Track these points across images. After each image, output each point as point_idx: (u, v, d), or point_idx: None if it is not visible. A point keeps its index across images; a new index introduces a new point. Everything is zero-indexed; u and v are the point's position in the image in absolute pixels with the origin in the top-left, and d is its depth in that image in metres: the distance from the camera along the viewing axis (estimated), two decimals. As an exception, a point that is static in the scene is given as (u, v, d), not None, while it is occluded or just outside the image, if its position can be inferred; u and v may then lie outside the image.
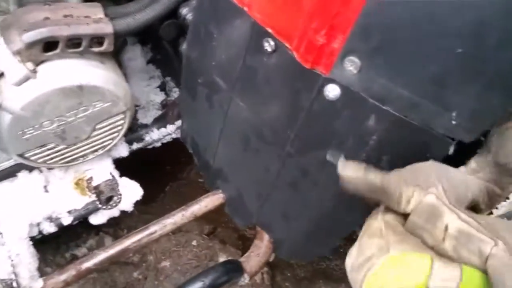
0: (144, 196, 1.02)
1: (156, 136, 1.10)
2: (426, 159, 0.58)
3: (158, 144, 1.11)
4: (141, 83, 1.12)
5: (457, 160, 0.58)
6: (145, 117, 1.11)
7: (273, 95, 0.73)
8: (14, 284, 0.84)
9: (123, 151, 1.04)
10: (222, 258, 1.19)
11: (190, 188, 1.44)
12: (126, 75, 1.05)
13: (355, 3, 0.54)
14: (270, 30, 0.67)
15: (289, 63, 0.66)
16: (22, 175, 0.93)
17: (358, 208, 0.69)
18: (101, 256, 0.92)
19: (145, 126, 1.10)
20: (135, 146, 1.08)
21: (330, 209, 0.77)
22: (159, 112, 1.12)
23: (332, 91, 0.63)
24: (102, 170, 0.99)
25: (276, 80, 0.71)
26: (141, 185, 1.02)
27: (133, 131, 1.08)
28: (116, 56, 0.92)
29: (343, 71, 0.60)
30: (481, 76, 0.50)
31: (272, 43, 0.67)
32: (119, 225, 1.26)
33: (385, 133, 0.61)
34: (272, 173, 0.82)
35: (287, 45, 0.65)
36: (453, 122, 0.55)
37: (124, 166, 1.04)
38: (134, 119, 1.07)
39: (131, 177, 1.02)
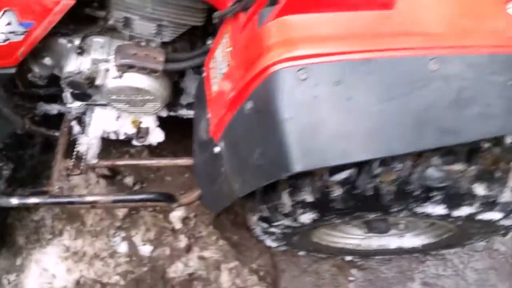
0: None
1: (185, 112, 1.94)
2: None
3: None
4: (190, 81, 1.92)
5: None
6: (185, 100, 1.93)
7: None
8: (86, 157, 1.78)
9: (163, 113, 1.91)
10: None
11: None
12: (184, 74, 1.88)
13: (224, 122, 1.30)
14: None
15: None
16: (109, 107, 1.84)
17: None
18: (125, 161, 1.83)
19: (181, 105, 1.93)
20: (172, 113, 1.93)
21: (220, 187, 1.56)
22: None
23: (216, 149, 1.40)
24: (147, 121, 1.87)
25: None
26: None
27: (174, 106, 1.91)
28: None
29: (221, 144, 1.36)
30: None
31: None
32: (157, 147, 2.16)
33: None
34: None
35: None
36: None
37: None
38: (177, 100, 1.91)
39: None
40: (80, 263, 1.92)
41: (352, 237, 1.81)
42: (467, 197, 1.21)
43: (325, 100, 1.01)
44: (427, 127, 1.01)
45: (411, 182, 1.18)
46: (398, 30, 1.04)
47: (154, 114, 1.85)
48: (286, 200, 1.33)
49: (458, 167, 1.18)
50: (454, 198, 1.21)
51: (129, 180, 2.14)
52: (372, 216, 1.31)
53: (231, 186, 1.35)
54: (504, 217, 1.32)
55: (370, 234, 1.79)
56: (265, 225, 1.52)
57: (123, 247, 1.96)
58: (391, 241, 1.79)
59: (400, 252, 1.84)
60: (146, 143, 1.90)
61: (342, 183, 1.21)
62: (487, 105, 1.02)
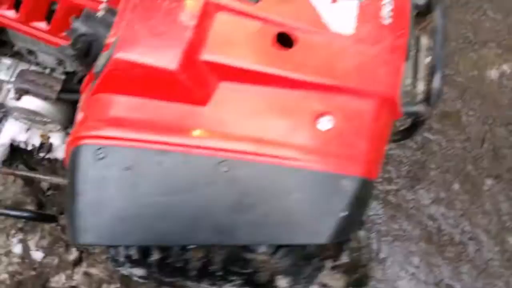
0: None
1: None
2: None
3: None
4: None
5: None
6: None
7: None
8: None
9: (74, 132, 2.00)
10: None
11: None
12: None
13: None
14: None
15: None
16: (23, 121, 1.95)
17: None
18: (23, 173, 1.94)
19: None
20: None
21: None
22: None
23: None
24: (55, 136, 1.97)
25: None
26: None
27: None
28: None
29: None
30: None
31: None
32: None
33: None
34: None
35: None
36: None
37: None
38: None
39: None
40: (-25, 257, 2.06)
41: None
42: (269, 287, 1.26)
43: (113, 182, 1.07)
44: (203, 224, 1.06)
45: (214, 262, 1.24)
46: (201, 127, 1.09)
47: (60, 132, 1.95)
48: (121, 250, 1.40)
49: (262, 257, 1.23)
50: (255, 285, 1.26)
51: (44, 185, 2.26)
52: (190, 285, 1.37)
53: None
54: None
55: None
56: (115, 265, 1.59)
57: (18, 249, 2.08)
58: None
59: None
60: (51, 157, 2.01)
61: (160, 248, 1.28)
62: (265, 214, 1.06)
